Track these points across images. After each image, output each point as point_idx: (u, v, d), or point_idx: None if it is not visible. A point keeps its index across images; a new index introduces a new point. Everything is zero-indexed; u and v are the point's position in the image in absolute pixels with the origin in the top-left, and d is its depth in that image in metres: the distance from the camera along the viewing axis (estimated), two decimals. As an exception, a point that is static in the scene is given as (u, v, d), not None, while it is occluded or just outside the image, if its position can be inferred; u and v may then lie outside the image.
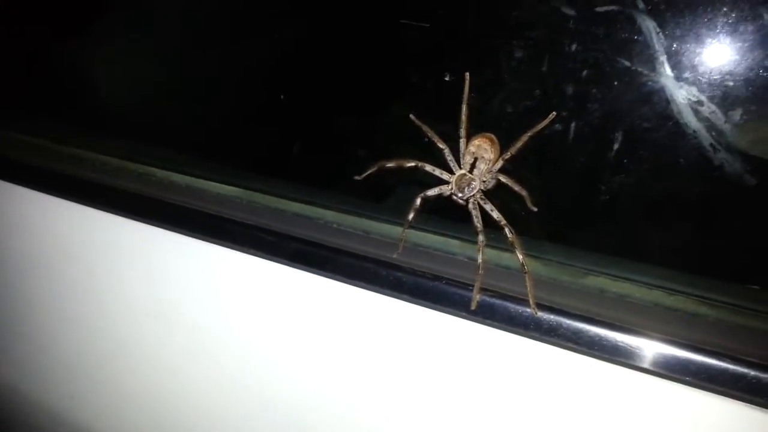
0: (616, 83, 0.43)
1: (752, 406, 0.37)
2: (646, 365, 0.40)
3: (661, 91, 0.42)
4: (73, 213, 0.65)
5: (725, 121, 0.40)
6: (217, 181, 0.61)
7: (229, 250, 0.55)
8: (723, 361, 0.38)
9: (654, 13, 0.41)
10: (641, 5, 0.41)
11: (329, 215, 0.55)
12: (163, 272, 0.61)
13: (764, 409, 0.37)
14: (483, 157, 0.45)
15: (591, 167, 0.45)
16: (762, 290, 0.41)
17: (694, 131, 0.41)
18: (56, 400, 0.73)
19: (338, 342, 0.52)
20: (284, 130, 0.60)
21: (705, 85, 0.40)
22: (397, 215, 0.49)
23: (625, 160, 0.43)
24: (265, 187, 0.58)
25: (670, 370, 0.39)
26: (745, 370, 0.38)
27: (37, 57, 0.75)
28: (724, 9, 0.39)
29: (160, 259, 0.61)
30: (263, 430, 0.58)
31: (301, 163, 0.59)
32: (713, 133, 0.41)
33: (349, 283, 0.50)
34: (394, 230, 0.50)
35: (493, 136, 0.45)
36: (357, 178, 0.50)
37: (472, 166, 0.45)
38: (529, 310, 0.42)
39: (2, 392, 0.78)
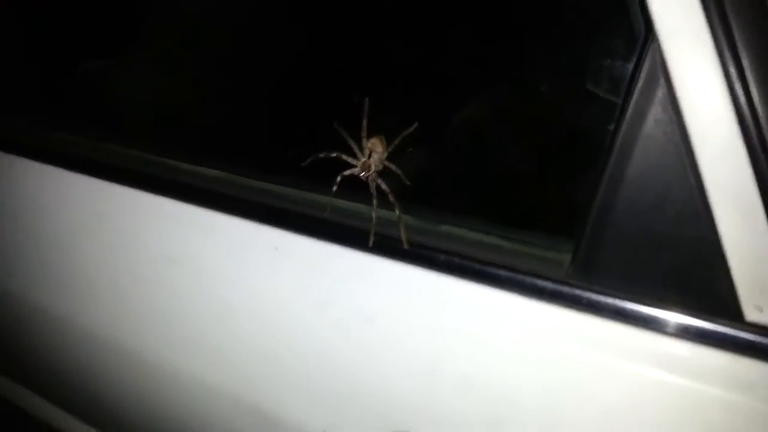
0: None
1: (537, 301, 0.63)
2: (476, 279, 0.66)
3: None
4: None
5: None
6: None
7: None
8: (517, 274, 0.64)
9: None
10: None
11: (288, 191, 0.82)
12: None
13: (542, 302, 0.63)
14: (376, 150, 0.72)
15: (438, 156, 0.72)
16: (539, 232, 0.68)
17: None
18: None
19: (293, 284, 0.78)
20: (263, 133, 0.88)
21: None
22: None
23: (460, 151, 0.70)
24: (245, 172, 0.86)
25: (491, 281, 0.65)
26: (530, 280, 0.64)
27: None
28: None
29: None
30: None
31: (270, 156, 0.86)
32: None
33: (299, 234, 0.77)
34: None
35: (382, 137, 0.72)
36: (303, 164, 0.77)
37: (370, 156, 0.72)
38: (403, 245, 0.69)
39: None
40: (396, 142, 0.70)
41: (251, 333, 0.79)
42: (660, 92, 0.55)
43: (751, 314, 0.55)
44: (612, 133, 0.59)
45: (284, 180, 0.83)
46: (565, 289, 0.62)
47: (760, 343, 0.55)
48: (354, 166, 0.73)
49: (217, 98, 0.92)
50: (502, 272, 0.65)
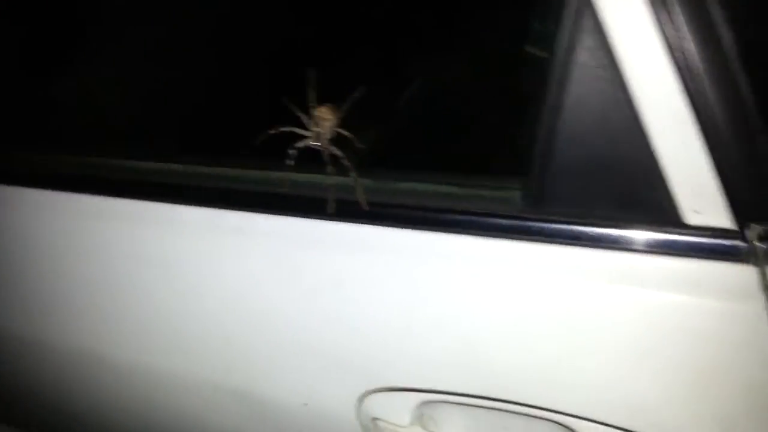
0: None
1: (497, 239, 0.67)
2: (436, 228, 0.69)
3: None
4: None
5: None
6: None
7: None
8: (474, 216, 0.67)
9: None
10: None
11: (246, 173, 0.84)
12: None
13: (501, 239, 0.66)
14: (327, 119, 0.74)
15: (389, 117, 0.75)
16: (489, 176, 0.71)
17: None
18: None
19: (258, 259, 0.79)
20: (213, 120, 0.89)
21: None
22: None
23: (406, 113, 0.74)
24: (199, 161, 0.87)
25: (450, 227, 0.68)
26: (487, 220, 0.67)
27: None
28: None
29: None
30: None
31: (222, 141, 0.88)
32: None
33: (261, 213, 0.78)
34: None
35: (332, 105, 0.75)
36: (255, 143, 0.79)
37: (321, 125, 0.74)
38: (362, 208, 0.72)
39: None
40: (345, 108, 0.73)
41: (227, 319, 0.80)
42: (588, 21, 0.59)
43: (691, 218, 0.60)
44: (547, 68, 0.63)
45: (240, 163, 0.84)
46: (520, 222, 0.66)
47: (701, 244, 0.59)
48: (307, 138, 0.75)
49: (160, 92, 0.92)
50: (459, 217, 0.68)
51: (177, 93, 0.90)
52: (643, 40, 0.58)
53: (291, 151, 0.75)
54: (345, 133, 0.74)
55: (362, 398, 0.73)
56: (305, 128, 0.76)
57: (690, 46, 0.57)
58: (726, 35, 0.56)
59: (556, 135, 0.63)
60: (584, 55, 0.61)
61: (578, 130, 0.63)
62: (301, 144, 0.75)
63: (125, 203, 0.86)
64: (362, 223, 0.73)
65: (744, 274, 0.57)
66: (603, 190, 0.64)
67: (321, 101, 0.76)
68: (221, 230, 0.79)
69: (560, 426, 0.65)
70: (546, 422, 0.67)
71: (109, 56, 0.94)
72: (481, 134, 0.74)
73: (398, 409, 0.71)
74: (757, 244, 0.57)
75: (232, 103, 0.87)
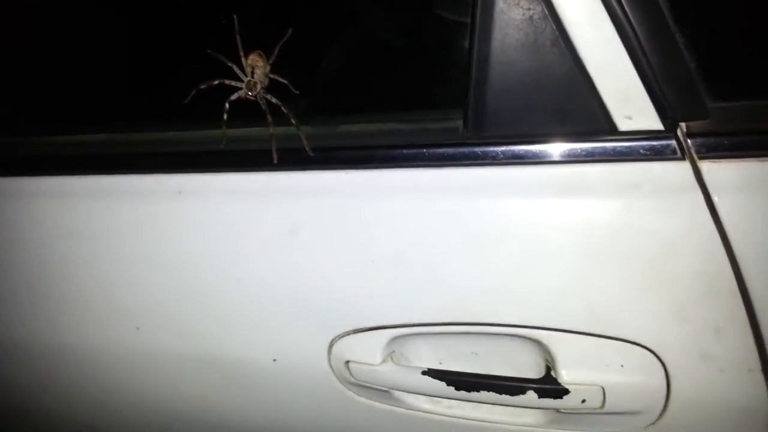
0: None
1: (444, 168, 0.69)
2: (384, 164, 0.70)
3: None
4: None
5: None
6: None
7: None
8: (421, 149, 0.69)
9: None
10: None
11: (180, 135, 0.82)
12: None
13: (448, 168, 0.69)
14: (258, 66, 0.73)
15: (323, 60, 0.75)
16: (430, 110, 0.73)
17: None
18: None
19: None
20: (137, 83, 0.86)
21: None
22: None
23: (341, 55, 0.74)
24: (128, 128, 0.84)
25: (399, 161, 0.70)
26: (433, 150, 0.69)
27: None
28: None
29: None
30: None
31: (150, 104, 0.85)
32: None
33: (201, 173, 0.77)
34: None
35: (260, 51, 0.74)
36: (185, 102, 0.77)
37: (252, 74, 0.74)
38: (307, 153, 0.72)
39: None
40: (275, 52, 0.73)
41: (178, 285, 0.80)
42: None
43: (623, 124, 0.64)
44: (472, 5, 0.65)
45: (172, 125, 0.82)
46: (463, 149, 0.68)
47: (635, 147, 0.64)
48: (239, 89, 0.74)
49: (73, 57, 0.88)
50: (405, 151, 0.70)
51: (92, 58, 0.86)
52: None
53: (226, 105, 0.74)
54: (279, 78, 0.73)
55: (332, 344, 0.75)
56: (236, 79, 0.75)
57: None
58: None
59: (488, 61, 0.66)
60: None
61: (508, 53, 0.65)
62: (234, 96, 0.74)
63: (51, 180, 0.83)
64: (309, 169, 0.73)
65: (679, 169, 0.62)
66: (538, 109, 0.67)
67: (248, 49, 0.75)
68: (161, 195, 0.78)
69: (527, 340, 0.69)
70: (512, 339, 0.70)
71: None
72: (417, 71, 0.76)
73: (369, 349, 0.73)
74: (687, 141, 0.62)
75: (154, 64, 0.84)
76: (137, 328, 0.83)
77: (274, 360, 0.78)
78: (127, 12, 0.82)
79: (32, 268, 0.87)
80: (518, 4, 0.64)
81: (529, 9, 0.63)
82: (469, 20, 0.66)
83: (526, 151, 0.67)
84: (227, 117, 0.75)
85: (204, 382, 0.84)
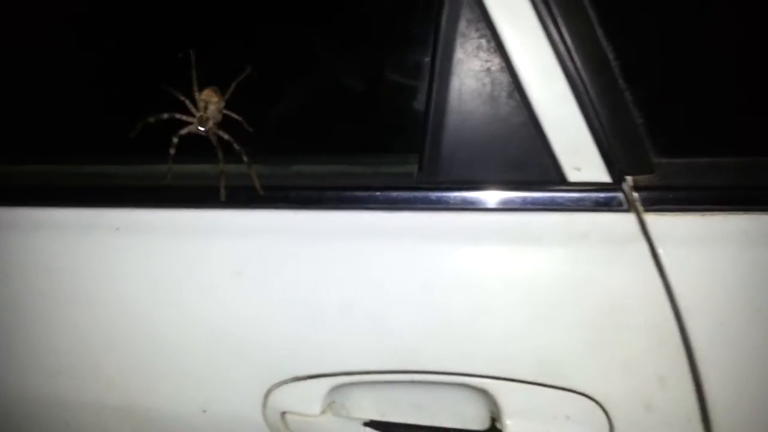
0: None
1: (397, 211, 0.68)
2: (337, 206, 0.69)
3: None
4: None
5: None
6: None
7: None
8: (374, 192, 0.69)
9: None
10: None
11: (121, 169, 0.79)
12: None
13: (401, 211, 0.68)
14: (212, 101, 0.73)
15: (278, 100, 0.75)
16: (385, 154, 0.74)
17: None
18: None
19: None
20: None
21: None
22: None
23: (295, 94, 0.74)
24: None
25: (351, 203, 0.69)
26: (386, 193, 0.69)
27: None
28: None
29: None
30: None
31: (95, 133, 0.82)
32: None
33: (141, 208, 0.74)
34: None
35: (215, 87, 0.73)
36: (131, 134, 0.75)
37: (206, 109, 0.73)
38: (257, 191, 0.70)
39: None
40: (231, 89, 0.72)
41: (105, 328, 0.74)
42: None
43: (572, 175, 0.66)
44: (432, 50, 0.67)
45: (114, 158, 0.79)
46: (418, 193, 0.68)
47: (583, 198, 0.65)
48: (190, 124, 0.73)
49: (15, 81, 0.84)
50: (359, 193, 0.70)
51: (30, 80, 0.83)
52: (521, 14, 0.64)
53: (174, 139, 0.73)
54: (233, 115, 0.72)
55: (268, 393, 0.71)
56: (187, 113, 0.73)
57: (560, 20, 0.63)
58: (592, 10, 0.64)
59: (445, 107, 0.67)
60: (466, 27, 0.66)
61: (464, 101, 0.67)
62: (185, 131, 0.73)
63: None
64: (258, 208, 0.71)
65: (625, 221, 0.64)
66: (492, 157, 0.68)
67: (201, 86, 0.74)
68: (97, 231, 0.74)
69: (473, 391, 0.68)
70: (457, 390, 0.68)
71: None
72: (373, 114, 0.76)
73: (308, 399, 0.70)
74: (633, 193, 0.64)
75: (100, 93, 0.82)
76: (57, 373, 0.77)
77: (204, 411, 0.73)
78: (75, 38, 0.80)
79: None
80: (477, 55, 0.66)
81: (487, 60, 0.66)
82: (428, 67, 0.67)
83: (479, 198, 0.68)
84: (174, 152, 0.73)
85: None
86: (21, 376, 0.78)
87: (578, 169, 0.66)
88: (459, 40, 0.66)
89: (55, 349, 0.76)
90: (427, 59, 0.69)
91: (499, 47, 0.65)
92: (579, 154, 0.66)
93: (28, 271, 0.76)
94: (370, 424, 0.69)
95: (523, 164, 0.68)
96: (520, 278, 0.66)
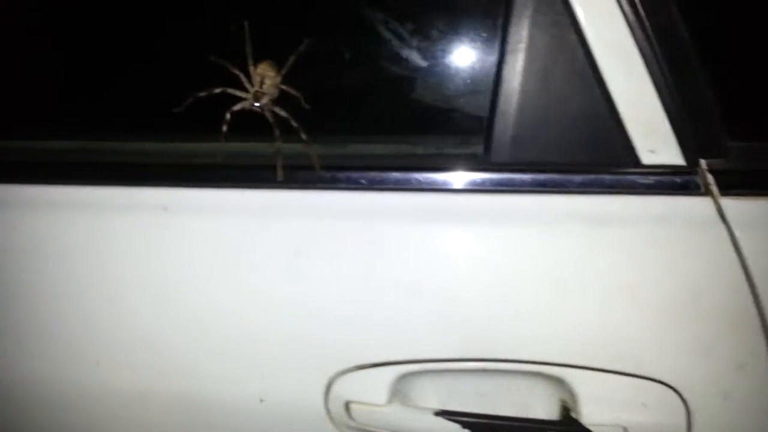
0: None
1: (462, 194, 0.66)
2: (400, 188, 0.67)
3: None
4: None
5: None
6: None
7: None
8: (438, 173, 0.66)
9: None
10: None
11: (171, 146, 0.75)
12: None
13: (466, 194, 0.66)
14: (268, 76, 0.69)
15: (338, 76, 0.72)
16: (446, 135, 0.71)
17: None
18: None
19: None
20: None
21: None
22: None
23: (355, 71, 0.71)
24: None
25: (414, 186, 0.67)
26: (451, 176, 0.67)
27: None
28: None
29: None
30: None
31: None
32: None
33: (191, 188, 0.70)
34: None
35: (272, 61, 0.70)
36: (176, 110, 0.71)
37: (261, 83, 0.69)
38: (315, 172, 0.68)
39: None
40: (290, 62, 0.69)
41: (152, 313, 0.71)
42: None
43: (646, 158, 0.64)
44: (502, 27, 0.64)
45: (162, 135, 0.75)
46: (484, 175, 0.66)
47: (660, 182, 0.64)
48: (243, 99, 0.69)
49: (61, 56, 0.79)
50: (423, 174, 0.67)
51: (77, 57, 0.78)
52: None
53: (227, 116, 0.69)
54: (291, 90, 0.69)
55: (331, 382, 0.68)
56: (241, 89, 0.70)
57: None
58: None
59: (513, 87, 0.65)
60: (538, 2, 0.63)
61: (535, 78, 0.65)
62: (238, 107, 0.70)
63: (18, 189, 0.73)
64: (316, 188, 0.69)
65: (701, 205, 0.63)
66: (562, 138, 0.67)
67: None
68: (143, 210, 0.70)
69: (539, 379, 0.66)
70: (523, 378, 0.67)
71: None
72: (437, 93, 0.73)
73: (373, 388, 0.68)
74: (709, 177, 0.63)
75: (148, 67, 0.78)
76: (97, 362, 0.73)
77: (262, 400, 0.71)
78: (122, 9, 0.75)
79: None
80: (549, 31, 0.64)
81: (559, 36, 0.64)
82: (499, 41, 0.65)
83: (549, 180, 0.66)
84: (227, 129, 0.70)
85: (173, 428, 0.74)
86: (62, 364, 0.74)
87: (653, 152, 0.65)
88: (531, 15, 0.64)
89: (99, 335, 0.73)
90: (493, 34, 0.67)
91: (573, 22, 0.63)
92: (653, 136, 0.65)
93: (70, 252, 0.73)
94: (442, 413, 0.67)
95: (595, 145, 0.66)
96: (595, 263, 0.65)
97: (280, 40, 0.72)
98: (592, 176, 0.66)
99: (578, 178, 0.66)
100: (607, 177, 0.65)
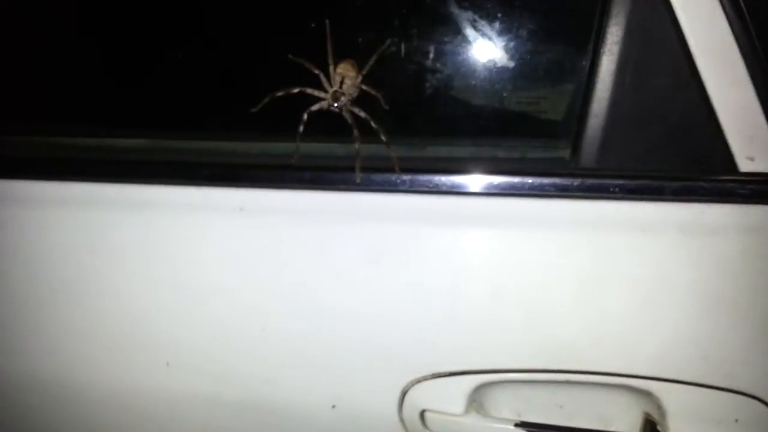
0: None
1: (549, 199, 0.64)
2: (484, 192, 0.64)
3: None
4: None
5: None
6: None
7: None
8: (526, 177, 0.64)
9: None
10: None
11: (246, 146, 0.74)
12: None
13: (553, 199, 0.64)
14: (348, 75, 0.67)
15: (418, 76, 0.70)
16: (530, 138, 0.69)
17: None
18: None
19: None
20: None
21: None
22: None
23: (437, 71, 0.69)
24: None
25: (501, 190, 0.64)
26: (539, 180, 0.64)
27: None
28: None
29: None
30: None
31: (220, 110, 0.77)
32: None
33: (268, 189, 0.69)
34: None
35: (352, 60, 0.68)
36: (253, 110, 0.69)
37: (341, 83, 0.67)
38: (395, 174, 0.66)
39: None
40: (371, 62, 0.67)
41: (225, 315, 0.70)
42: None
43: (744, 165, 0.61)
44: (597, 23, 0.62)
45: (238, 134, 0.74)
46: (573, 180, 0.64)
47: (758, 190, 0.61)
48: (321, 99, 0.68)
49: (136, 50, 0.78)
50: (507, 178, 0.65)
51: (151, 49, 0.77)
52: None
53: (304, 116, 0.68)
54: (371, 90, 0.67)
55: (406, 390, 0.67)
56: (319, 88, 0.68)
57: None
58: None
59: (606, 88, 0.63)
60: (636, 6, 0.61)
61: (628, 81, 0.63)
62: (316, 107, 0.68)
63: (77, 186, 0.72)
64: (396, 192, 0.67)
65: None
66: (656, 142, 0.64)
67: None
68: (219, 211, 0.69)
69: (624, 390, 0.64)
70: (604, 389, 0.65)
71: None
72: (520, 94, 0.71)
73: (451, 397, 0.66)
74: (812, 186, 0.61)
75: (223, 65, 0.76)
76: (167, 363, 0.72)
77: (333, 406, 0.69)
78: (201, 6, 0.74)
79: (40, 285, 0.75)
80: (645, 29, 0.61)
81: (656, 36, 0.61)
82: (592, 36, 0.62)
83: (641, 186, 0.63)
84: (303, 129, 0.68)
85: None
86: (126, 367, 0.73)
87: (751, 159, 0.62)
88: (629, 13, 0.61)
89: (165, 338, 0.72)
90: (586, 33, 0.65)
91: (673, 22, 0.60)
92: (753, 143, 0.62)
93: (137, 253, 0.72)
94: (522, 425, 0.65)
95: (691, 151, 0.64)
96: (689, 273, 0.62)
97: (359, 40, 0.70)
98: (687, 183, 0.63)
99: (673, 185, 0.63)
100: (704, 184, 0.63)
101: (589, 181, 0.64)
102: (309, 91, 0.68)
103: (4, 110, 0.80)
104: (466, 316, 0.66)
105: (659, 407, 0.63)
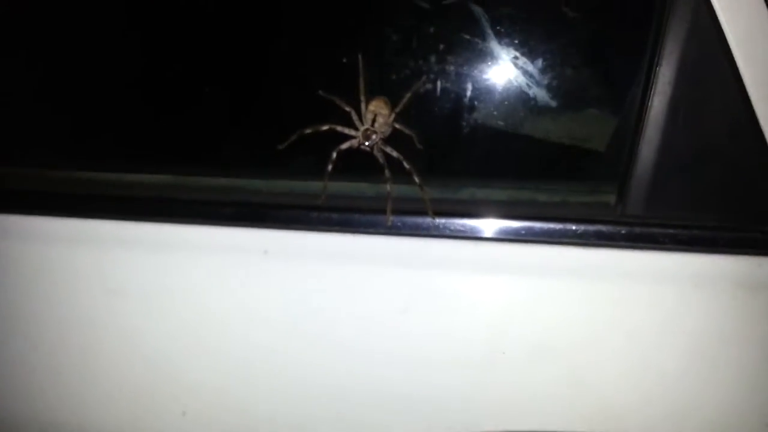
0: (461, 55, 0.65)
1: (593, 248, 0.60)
2: (524, 239, 0.61)
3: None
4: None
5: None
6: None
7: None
8: (568, 224, 0.60)
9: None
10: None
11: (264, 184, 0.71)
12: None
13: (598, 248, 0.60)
14: (381, 113, 0.65)
15: (453, 114, 0.67)
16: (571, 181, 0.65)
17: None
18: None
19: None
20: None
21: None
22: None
23: (473, 109, 0.66)
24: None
25: (541, 237, 0.61)
26: (583, 227, 0.60)
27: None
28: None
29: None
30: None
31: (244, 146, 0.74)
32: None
33: (293, 231, 0.66)
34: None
35: (385, 97, 0.65)
36: (279, 147, 0.67)
37: (373, 121, 0.64)
38: (428, 218, 0.62)
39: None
40: (405, 100, 0.64)
41: (246, 362, 0.67)
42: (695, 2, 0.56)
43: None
44: (648, 63, 0.58)
45: (263, 173, 0.71)
46: (621, 228, 0.60)
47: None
48: (352, 137, 0.65)
49: (155, 88, 0.76)
50: (550, 225, 0.61)
51: (173, 84, 0.74)
52: (759, 32, 0.55)
53: (333, 155, 0.64)
54: (405, 129, 0.64)
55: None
56: (350, 126, 0.65)
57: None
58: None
59: (658, 132, 0.59)
60: (690, 33, 0.57)
61: (682, 125, 0.59)
62: (345, 146, 0.65)
63: (90, 224, 0.70)
64: (428, 236, 0.63)
65: None
66: (714, 187, 0.60)
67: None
68: (242, 253, 0.66)
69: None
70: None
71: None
72: (562, 134, 0.67)
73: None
74: None
75: (250, 102, 0.74)
76: (183, 413, 0.69)
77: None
78: (222, 37, 0.72)
79: (51, 327, 0.72)
80: (702, 70, 0.58)
81: (713, 76, 0.57)
82: (643, 74, 0.59)
83: (695, 236, 0.59)
84: (332, 168, 0.65)
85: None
86: (140, 415, 0.70)
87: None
88: (683, 52, 0.58)
89: (184, 383, 0.68)
90: (635, 73, 0.61)
91: (729, 62, 0.57)
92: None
93: (154, 295, 0.69)
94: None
95: (747, 200, 0.59)
96: (745, 330, 0.58)
97: (393, 76, 0.67)
98: (743, 234, 0.59)
99: (727, 235, 0.59)
100: (761, 236, 0.58)
101: (637, 230, 0.60)
102: (339, 128, 0.65)
103: (26, 144, 0.78)
104: (503, 372, 0.61)
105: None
